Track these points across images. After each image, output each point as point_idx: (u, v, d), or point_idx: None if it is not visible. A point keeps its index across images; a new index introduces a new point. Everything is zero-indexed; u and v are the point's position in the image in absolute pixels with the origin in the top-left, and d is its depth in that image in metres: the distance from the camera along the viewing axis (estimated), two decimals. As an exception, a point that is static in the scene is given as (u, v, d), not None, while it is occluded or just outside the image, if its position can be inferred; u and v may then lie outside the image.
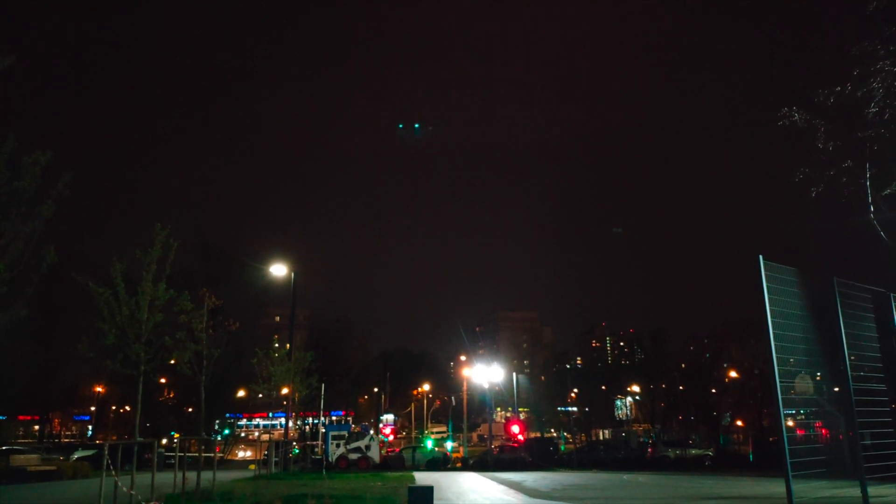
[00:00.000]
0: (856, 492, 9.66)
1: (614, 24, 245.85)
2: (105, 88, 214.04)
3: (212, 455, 25.61)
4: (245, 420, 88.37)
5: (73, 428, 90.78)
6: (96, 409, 72.11)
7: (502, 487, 20.67)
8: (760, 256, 9.28)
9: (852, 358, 10.28)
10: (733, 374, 59.09)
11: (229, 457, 59.10)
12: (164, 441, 48.82)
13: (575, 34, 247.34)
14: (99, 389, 65.57)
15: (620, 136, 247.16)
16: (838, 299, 10.33)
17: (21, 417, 70.80)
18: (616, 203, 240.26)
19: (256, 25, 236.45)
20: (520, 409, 75.54)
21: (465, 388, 63.99)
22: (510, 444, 52.07)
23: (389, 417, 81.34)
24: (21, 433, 73.88)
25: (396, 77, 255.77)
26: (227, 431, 63.16)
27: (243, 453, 68.70)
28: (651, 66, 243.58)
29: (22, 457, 29.39)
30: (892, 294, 11.16)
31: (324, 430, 47.06)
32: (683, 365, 63.88)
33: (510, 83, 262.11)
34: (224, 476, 23.19)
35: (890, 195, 11.70)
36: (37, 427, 68.91)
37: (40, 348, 47.18)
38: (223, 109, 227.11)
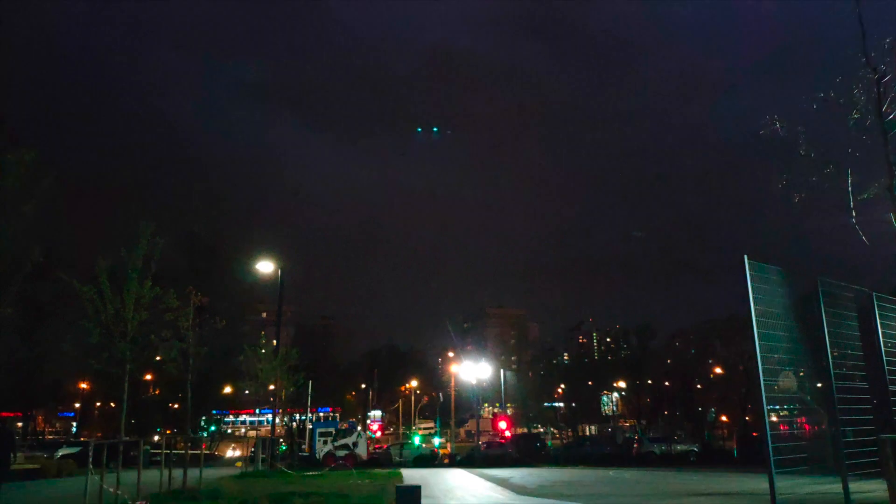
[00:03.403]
0: (837, 487, 9.79)
1: (613, 28, 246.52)
2: (91, 84, 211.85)
3: (198, 452, 25.47)
4: (232, 417, 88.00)
5: (58, 425, 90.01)
6: (81, 406, 71.58)
7: (489, 484, 20.76)
8: (745, 256, 9.38)
9: (835, 355, 10.41)
10: (718, 370, 59.58)
11: (216, 453, 58.85)
12: (156, 438, 48.56)
13: (571, 36, 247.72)
14: (84, 386, 65.09)
15: (605, 135, 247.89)
16: (822, 298, 10.45)
17: (4, 414, 70.05)
18: (603, 202, 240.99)
19: (256, 30, 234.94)
20: (507, 405, 75.87)
21: (452, 384, 64.10)
22: (497, 440, 52.25)
23: (377, 414, 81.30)
24: (4, 430, 73.06)
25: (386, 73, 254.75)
26: (213, 428, 62.89)
27: (231, 452, 68.45)
28: (639, 64, 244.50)
29: (5, 455, 29.03)
30: (874, 293, 11.32)
31: (311, 427, 46.99)
32: (669, 361, 64.36)
33: (500, 82, 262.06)
34: (211, 473, 23.08)
35: (869, 199, 11.89)
36: (20, 424, 68.26)
37: (24, 345, 46.73)
38: (211, 108, 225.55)
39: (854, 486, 9.90)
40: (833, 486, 10.08)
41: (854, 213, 11.82)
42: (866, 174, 11.91)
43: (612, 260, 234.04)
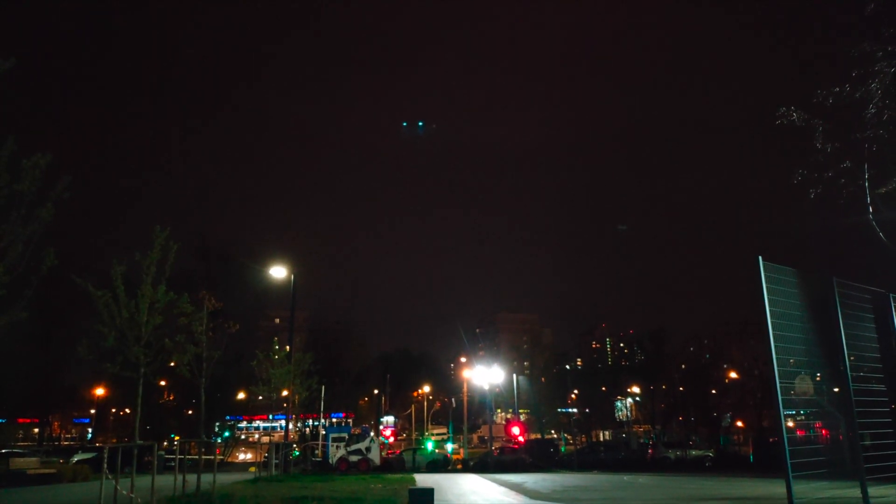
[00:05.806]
0: (856, 492, 9.65)
1: (612, 24, 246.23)
2: (106, 90, 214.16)
3: (212, 457, 25.57)
4: (245, 422, 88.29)
5: (73, 431, 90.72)
6: (96, 412, 72.09)
7: (503, 489, 20.65)
8: (760, 257, 9.26)
9: (852, 358, 10.25)
10: (733, 374, 59.11)
11: (229, 459, 59.09)
12: (165, 444, 48.79)
13: (572, 33, 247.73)
14: (99, 392, 65.57)
15: (619, 137, 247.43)
16: (838, 300, 10.30)
17: (20, 420, 70.74)
18: (615, 204, 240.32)
19: (258, 31, 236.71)
20: (520, 411, 75.59)
21: (465, 389, 63.91)
22: (510, 445, 52.04)
23: (390, 419, 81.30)
24: (20, 436, 73.84)
25: (395, 80, 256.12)
26: (227, 434, 63.17)
27: (243, 455, 68.64)
28: (649, 66, 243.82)
29: (21, 460, 29.35)
30: (891, 294, 11.14)
31: (324, 432, 47.00)
32: (683, 366, 63.93)
33: (507, 83, 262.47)
34: (224, 478, 23.15)
35: (888, 195, 11.68)
36: (36, 430, 68.84)
37: (40, 351, 47.11)
38: (223, 113, 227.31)
39: (873, 490, 9.75)
40: (851, 491, 9.93)
41: (871, 210, 11.63)
42: (884, 169, 11.71)
43: (626, 263, 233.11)
